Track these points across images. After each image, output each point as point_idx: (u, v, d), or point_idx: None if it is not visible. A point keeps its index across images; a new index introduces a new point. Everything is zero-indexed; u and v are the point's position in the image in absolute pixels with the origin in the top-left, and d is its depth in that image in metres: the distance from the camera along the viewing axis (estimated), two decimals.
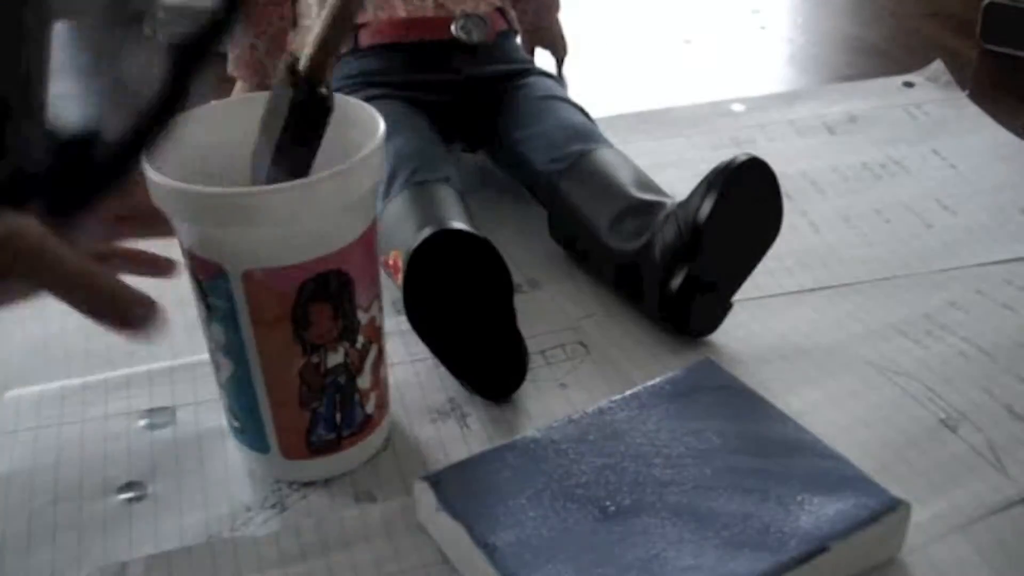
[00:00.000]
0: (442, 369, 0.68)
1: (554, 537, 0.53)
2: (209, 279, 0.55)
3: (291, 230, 0.53)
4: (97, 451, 0.65)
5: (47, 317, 0.77)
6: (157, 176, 0.53)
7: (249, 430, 0.60)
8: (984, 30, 1.17)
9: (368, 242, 0.57)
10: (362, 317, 0.58)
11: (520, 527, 0.54)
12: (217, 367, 0.59)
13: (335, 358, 0.58)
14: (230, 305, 0.55)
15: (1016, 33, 1.15)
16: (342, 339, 0.57)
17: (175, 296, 0.78)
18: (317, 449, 0.60)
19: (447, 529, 0.55)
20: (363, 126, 0.58)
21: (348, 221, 0.55)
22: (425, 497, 0.57)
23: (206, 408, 0.68)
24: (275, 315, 0.55)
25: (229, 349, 0.57)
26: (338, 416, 0.60)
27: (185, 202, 0.52)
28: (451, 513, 0.55)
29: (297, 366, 0.57)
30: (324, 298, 0.55)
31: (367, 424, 0.62)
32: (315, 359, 0.57)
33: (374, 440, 0.63)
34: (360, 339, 0.58)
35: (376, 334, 0.60)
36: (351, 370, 0.59)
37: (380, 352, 0.61)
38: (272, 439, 0.59)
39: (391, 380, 0.65)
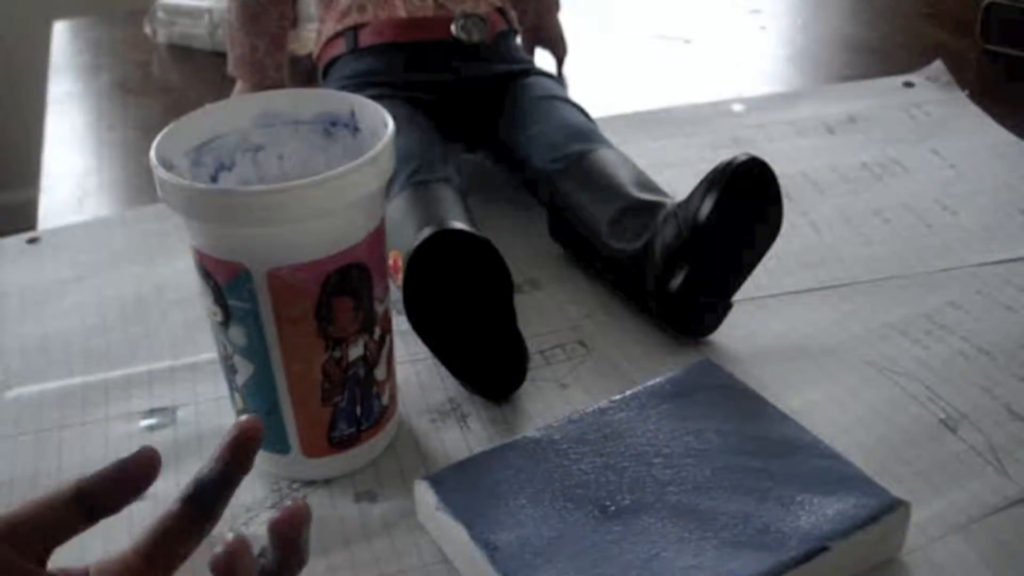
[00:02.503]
0: (442, 369, 0.68)
1: (554, 537, 0.53)
2: (229, 281, 0.55)
3: (317, 225, 0.53)
4: (97, 453, 0.65)
5: (47, 316, 0.78)
6: (172, 177, 0.53)
7: (268, 432, 0.60)
8: (984, 30, 1.17)
9: (380, 234, 0.58)
10: (378, 308, 0.58)
11: (520, 527, 0.54)
12: (233, 371, 0.59)
13: (356, 351, 0.58)
14: (252, 306, 0.55)
15: (1016, 33, 1.15)
16: (362, 331, 0.58)
17: (175, 296, 0.79)
18: (337, 445, 0.60)
19: (447, 529, 0.55)
20: (373, 123, 0.59)
21: (366, 213, 0.56)
22: (425, 497, 0.57)
23: (206, 408, 0.68)
24: (300, 311, 0.55)
25: (249, 351, 0.57)
26: (358, 409, 0.60)
27: (207, 202, 0.52)
28: (451, 513, 0.55)
29: (320, 362, 0.57)
30: (346, 291, 0.56)
31: (383, 415, 0.62)
32: (337, 353, 0.57)
33: (389, 431, 0.63)
34: (377, 330, 0.59)
35: (389, 325, 0.61)
36: (369, 362, 0.59)
37: (392, 342, 0.62)
38: (293, 439, 0.59)
39: None
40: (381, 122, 0.58)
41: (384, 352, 0.60)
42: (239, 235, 0.53)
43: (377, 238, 0.57)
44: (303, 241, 0.54)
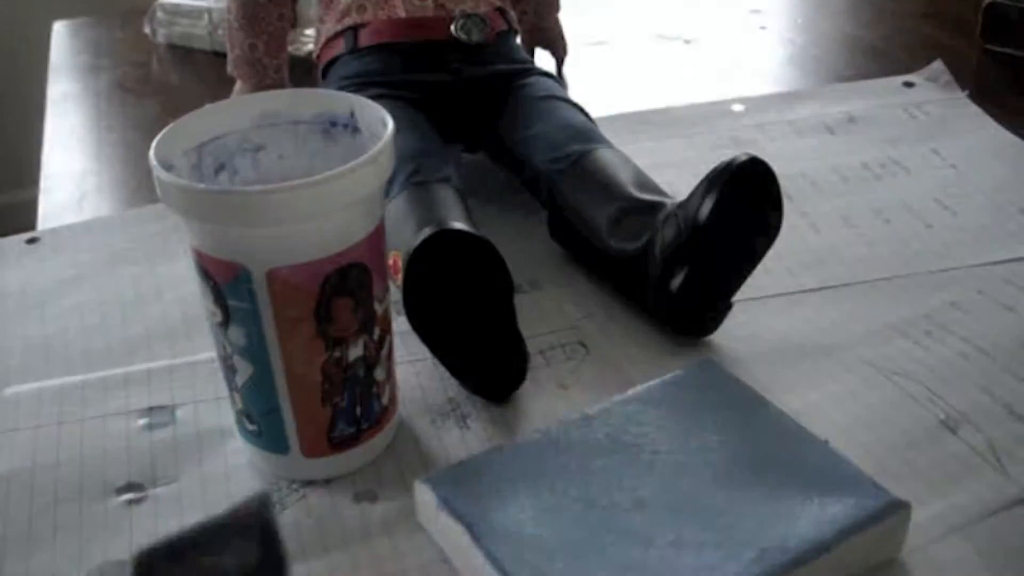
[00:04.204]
0: (442, 369, 0.68)
1: (554, 537, 0.53)
2: (228, 281, 0.55)
3: (316, 225, 0.53)
4: (96, 451, 0.65)
5: (47, 316, 0.78)
6: (171, 177, 0.53)
7: (268, 432, 0.60)
8: (984, 30, 1.17)
9: (380, 234, 0.58)
10: (378, 308, 0.58)
11: (520, 527, 0.54)
12: (233, 371, 0.59)
13: (355, 351, 0.58)
14: (252, 306, 0.55)
15: (1016, 33, 1.15)
16: (362, 331, 0.58)
17: (175, 295, 0.79)
18: (337, 445, 0.60)
19: (447, 529, 0.55)
20: (372, 123, 0.59)
21: (366, 214, 0.56)
22: (425, 497, 0.57)
23: (205, 407, 0.68)
24: (299, 312, 0.55)
25: (249, 351, 0.57)
26: (358, 409, 0.60)
27: (206, 202, 0.52)
28: (451, 513, 0.55)
29: (319, 362, 0.57)
30: (346, 291, 0.56)
31: (383, 416, 0.62)
32: (337, 353, 0.57)
33: (389, 432, 0.63)
34: (377, 330, 0.59)
35: (388, 325, 0.61)
36: (369, 362, 0.59)
37: (391, 342, 0.62)
38: (292, 439, 0.59)
39: None
40: (381, 122, 0.58)
41: (384, 352, 0.60)
42: (238, 235, 0.53)
43: (377, 238, 0.57)
44: (303, 241, 0.54)
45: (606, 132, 0.84)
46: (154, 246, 0.85)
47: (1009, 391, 0.67)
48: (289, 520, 0.59)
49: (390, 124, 0.57)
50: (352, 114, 0.60)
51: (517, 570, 0.51)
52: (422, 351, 0.69)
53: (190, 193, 0.52)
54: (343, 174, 0.52)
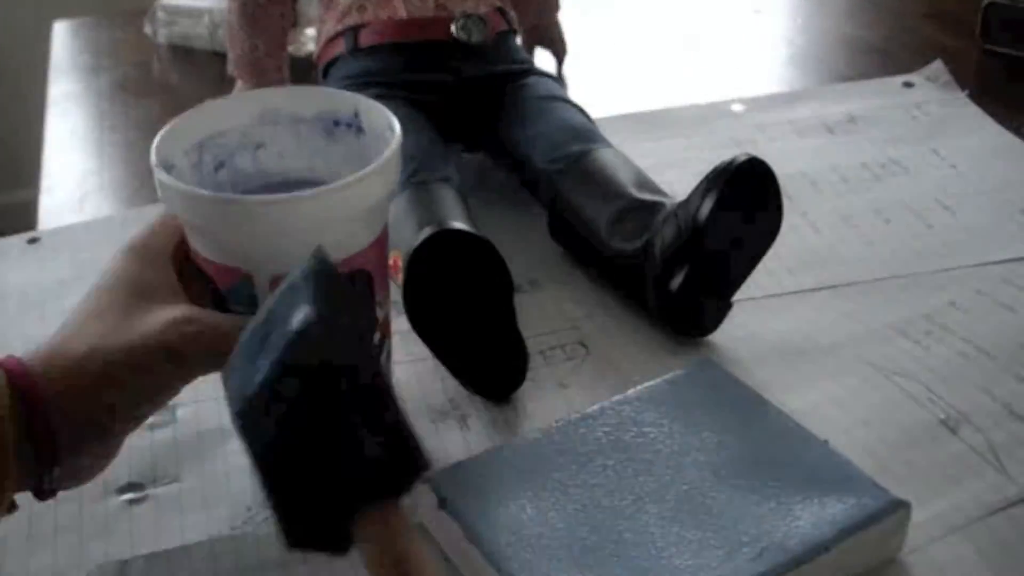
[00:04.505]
0: (442, 369, 0.68)
1: (554, 537, 0.53)
2: (230, 285, 0.54)
3: (320, 235, 0.53)
4: None
5: (47, 316, 0.78)
6: (172, 181, 0.52)
7: None
8: (984, 30, 1.17)
9: (384, 241, 0.58)
10: (379, 313, 0.58)
11: (520, 527, 0.54)
12: None
13: None
14: (253, 311, 0.54)
15: (1016, 33, 1.15)
16: None
17: None
18: None
19: (447, 529, 0.55)
20: (378, 125, 0.58)
21: (370, 222, 0.55)
22: (425, 497, 0.57)
23: (206, 407, 0.68)
24: None
25: None
26: None
27: (207, 209, 0.52)
28: (451, 513, 0.55)
29: None
30: None
31: None
32: None
33: None
34: (376, 335, 0.59)
35: (388, 329, 0.61)
36: None
37: (391, 347, 0.62)
38: None
39: None
40: (386, 125, 0.57)
41: (383, 356, 0.60)
42: (240, 241, 0.53)
43: (380, 244, 0.57)
44: (306, 249, 0.53)
45: (606, 132, 0.84)
46: None
47: (1009, 391, 0.68)
48: None
49: (397, 130, 0.56)
50: (356, 114, 0.60)
51: (517, 570, 0.51)
52: (422, 351, 0.69)
53: (191, 198, 0.52)
54: (348, 185, 0.52)
